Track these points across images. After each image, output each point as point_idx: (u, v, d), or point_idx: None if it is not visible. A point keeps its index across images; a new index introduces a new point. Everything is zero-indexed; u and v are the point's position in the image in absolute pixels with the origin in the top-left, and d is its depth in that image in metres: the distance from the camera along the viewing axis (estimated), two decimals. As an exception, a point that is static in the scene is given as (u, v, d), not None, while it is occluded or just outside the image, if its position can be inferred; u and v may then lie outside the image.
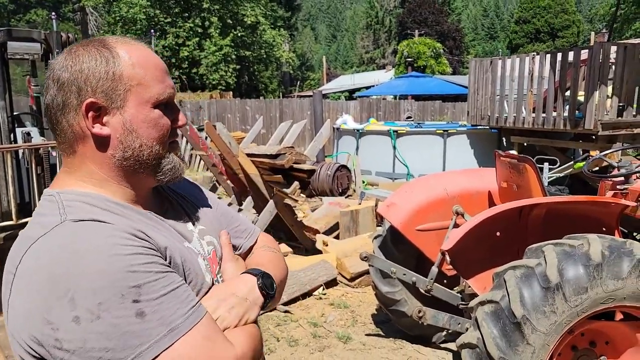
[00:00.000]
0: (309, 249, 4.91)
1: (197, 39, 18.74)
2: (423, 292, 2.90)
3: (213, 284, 0.90)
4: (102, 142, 0.81)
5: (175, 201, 0.98)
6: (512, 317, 1.90)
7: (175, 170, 0.89)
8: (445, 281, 3.07)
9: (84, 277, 0.67)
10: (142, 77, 0.82)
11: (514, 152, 2.86)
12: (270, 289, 0.91)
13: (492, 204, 2.95)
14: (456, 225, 2.77)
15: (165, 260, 0.79)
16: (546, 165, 3.81)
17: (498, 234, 2.44)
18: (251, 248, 1.09)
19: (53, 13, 10.30)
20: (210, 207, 1.06)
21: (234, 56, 19.39)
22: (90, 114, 0.79)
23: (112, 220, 0.76)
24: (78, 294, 0.67)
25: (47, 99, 0.82)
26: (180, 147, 0.97)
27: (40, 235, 0.73)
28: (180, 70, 19.16)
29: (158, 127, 0.84)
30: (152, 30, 9.65)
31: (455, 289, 3.15)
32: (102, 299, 0.67)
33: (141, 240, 0.76)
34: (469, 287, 2.62)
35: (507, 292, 1.95)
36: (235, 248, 1.05)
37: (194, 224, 0.97)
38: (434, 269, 2.80)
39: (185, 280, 0.81)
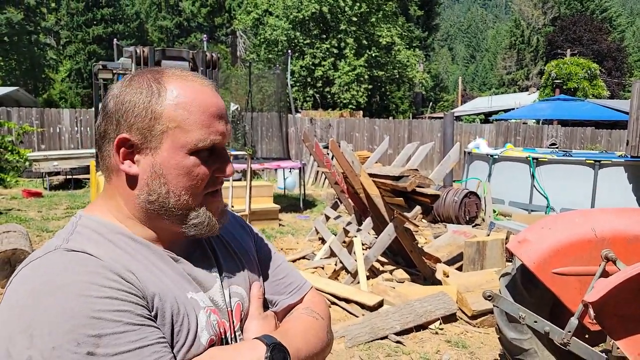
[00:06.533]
0: (428, 278, 4.65)
1: (333, 59, 19.48)
2: (558, 345, 2.51)
3: (223, 342, 0.82)
4: (130, 180, 0.78)
5: (210, 246, 0.91)
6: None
7: (203, 227, 0.81)
8: (586, 336, 2.61)
9: (47, 315, 0.62)
10: (182, 120, 0.76)
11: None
12: None
13: (655, 252, 2.44)
14: (605, 273, 2.35)
15: (151, 310, 0.71)
16: None
17: (663, 291, 1.99)
18: (291, 307, 0.96)
19: (205, 35, 11.64)
20: (253, 255, 0.97)
21: (366, 76, 19.70)
22: (122, 150, 0.76)
23: (104, 255, 0.71)
24: (37, 331, 0.62)
25: (97, 123, 0.80)
26: (222, 197, 0.88)
27: (37, 257, 0.71)
28: (315, 89, 20.08)
29: (190, 175, 0.78)
30: (290, 51, 10.27)
31: (600, 345, 2.67)
32: (56, 344, 0.61)
33: (125, 283, 0.69)
34: (618, 348, 2.19)
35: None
36: (271, 304, 0.96)
37: (220, 272, 0.88)
38: (574, 321, 2.40)
39: (172, 336, 0.73)
